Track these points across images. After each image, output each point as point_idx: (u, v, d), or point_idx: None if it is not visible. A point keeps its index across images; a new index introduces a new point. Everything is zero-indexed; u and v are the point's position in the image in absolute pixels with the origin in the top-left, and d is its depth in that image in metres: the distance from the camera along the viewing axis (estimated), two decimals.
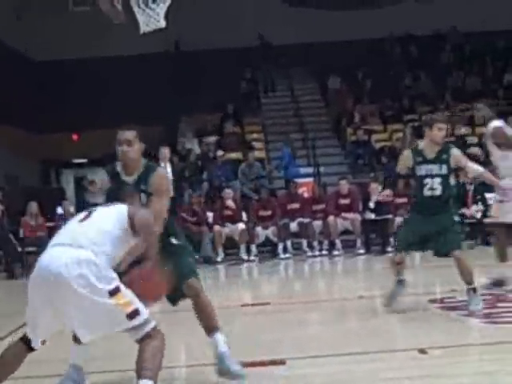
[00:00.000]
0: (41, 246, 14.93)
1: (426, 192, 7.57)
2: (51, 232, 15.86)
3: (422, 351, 5.71)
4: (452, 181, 9.46)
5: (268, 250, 15.93)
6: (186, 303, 5.44)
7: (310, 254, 15.12)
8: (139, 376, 4.13)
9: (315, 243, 15.29)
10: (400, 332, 6.95)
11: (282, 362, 5.71)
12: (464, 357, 5.81)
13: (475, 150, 12.40)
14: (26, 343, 4.42)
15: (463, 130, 19.34)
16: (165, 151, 13.75)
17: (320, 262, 14.73)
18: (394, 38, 23.62)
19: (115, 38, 20.39)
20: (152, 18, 10.68)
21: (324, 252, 15.19)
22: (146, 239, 4.55)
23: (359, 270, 13.73)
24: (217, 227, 15.28)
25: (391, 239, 13.83)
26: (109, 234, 4.42)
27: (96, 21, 15.81)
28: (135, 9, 10.74)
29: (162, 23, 10.68)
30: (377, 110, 21.59)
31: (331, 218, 15.14)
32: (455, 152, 7.67)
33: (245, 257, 15.07)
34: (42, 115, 21.83)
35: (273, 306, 8.96)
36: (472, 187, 14.96)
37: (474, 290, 7.47)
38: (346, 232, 15.41)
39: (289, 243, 15.38)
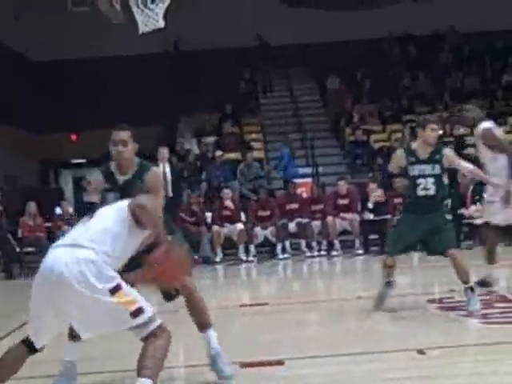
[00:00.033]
0: (39, 246, 15.06)
1: (420, 192, 7.62)
2: (50, 232, 15.98)
3: (421, 352, 5.72)
4: (445, 180, 9.50)
5: (267, 251, 15.93)
6: None
7: (308, 254, 15.12)
8: (138, 374, 4.13)
9: (314, 243, 15.29)
10: (398, 332, 6.94)
11: (280, 363, 5.71)
12: (462, 357, 5.82)
13: (471, 151, 12.43)
14: (28, 345, 4.42)
15: (462, 130, 19.32)
16: (163, 151, 13.78)
17: (319, 262, 14.73)
18: (393, 38, 23.63)
19: (114, 38, 20.39)
20: (151, 18, 10.67)
21: (323, 252, 15.18)
22: (151, 224, 4.52)
23: (358, 270, 13.73)
24: (215, 227, 15.28)
25: None
26: (109, 231, 4.41)
27: (95, 21, 15.79)
28: (134, 9, 10.74)
29: (161, 23, 10.68)
30: (375, 110, 21.59)
31: (330, 219, 15.14)
32: (447, 152, 7.76)
33: (243, 257, 15.06)
34: (41, 115, 21.83)
35: (271, 307, 8.95)
36: (471, 188, 14.95)
37: (472, 289, 7.49)
38: (344, 232, 15.41)
39: (287, 243, 15.38)
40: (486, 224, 8.63)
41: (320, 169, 19.07)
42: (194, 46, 22.13)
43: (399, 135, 18.99)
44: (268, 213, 15.63)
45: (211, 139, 19.96)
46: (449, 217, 8.24)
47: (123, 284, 4.28)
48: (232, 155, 19.14)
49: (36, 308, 4.35)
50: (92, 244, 4.31)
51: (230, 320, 8.31)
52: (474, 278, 8.38)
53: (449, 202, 14.35)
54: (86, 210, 5.76)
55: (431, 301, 8.37)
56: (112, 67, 21.62)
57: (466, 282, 7.49)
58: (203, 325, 5.41)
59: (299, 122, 21.80)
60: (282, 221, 15.44)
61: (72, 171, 25.17)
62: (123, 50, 21.69)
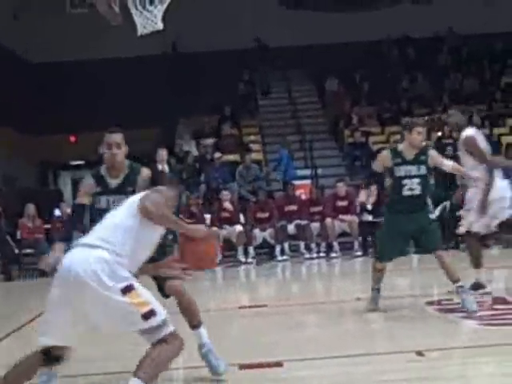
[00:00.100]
0: (38, 248, 15.06)
1: (406, 192, 7.74)
2: (48, 234, 15.98)
3: (420, 353, 5.73)
4: (431, 180, 9.55)
5: (265, 252, 15.91)
6: None
7: (307, 256, 15.11)
8: (134, 374, 4.14)
9: (313, 245, 15.28)
10: (397, 334, 6.94)
11: (279, 364, 5.72)
12: (461, 359, 5.83)
13: None
14: (45, 354, 4.40)
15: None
16: (162, 153, 13.76)
17: (317, 264, 14.72)
18: (392, 40, 23.62)
19: (113, 40, 20.41)
20: (149, 20, 10.68)
21: (321, 254, 15.17)
22: (163, 223, 4.52)
23: (356, 272, 13.72)
24: (214, 229, 15.27)
25: None
26: (121, 227, 4.40)
27: (93, 23, 15.82)
28: (133, 11, 10.75)
29: (160, 25, 10.69)
30: (374, 112, 21.59)
31: (329, 220, 15.15)
32: (432, 153, 7.94)
33: (242, 259, 15.05)
34: (40, 117, 21.80)
35: (270, 308, 8.96)
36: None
37: (463, 287, 7.58)
38: (343, 234, 15.41)
39: (286, 245, 15.38)
40: (468, 232, 8.64)
41: (319, 170, 19.06)
42: (193, 47, 22.14)
43: (398, 137, 18.95)
44: (267, 214, 15.63)
45: (210, 141, 19.95)
46: (448, 219, 8.26)
47: (136, 285, 4.27)
48: (231, 157, 19.13)
49: (51, 308, 4.36)
50: (104, 243, 4.31)
51: (229, 322, 8.32)
52: (467, 284, 8.44)
53: (447, 204, 14.36)
54: (80, 211, 5.81)
55: (430, 303, 8.38)
56: (111, 69, 21.62)
57: (456, 281, 7.58)
58: (195, 324, 5.52)
59: (298, 123, 21.80)
60: (281, 222, 15.43)
61: (71, 173, 25.13)
62: (122, 52, 21.69)
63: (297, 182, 17.31)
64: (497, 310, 7.71)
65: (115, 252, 4.28)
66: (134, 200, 4.57)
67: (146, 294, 4.28)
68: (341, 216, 15.21)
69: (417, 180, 7.72)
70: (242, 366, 5.67)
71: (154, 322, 4.20)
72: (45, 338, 4.39)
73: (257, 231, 15.43)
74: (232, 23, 21.94)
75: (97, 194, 5.70)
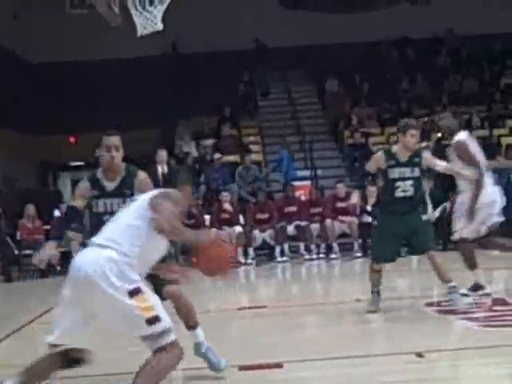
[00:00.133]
0: (38, 248, 15.03)
1: (398, 194, 7.82)
2: (48, 235, 15.96)
3: (419, 355, 5.72)
4: (431, 184, 9.55)
5: (265, 253, 15.91)
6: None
7: (307, 257, 15.11)
8: (133, 381, 4.14)
9: (312, 246, 15.28)
10: (397, 335, 6.94)
11: (279, 366, 5.72)
12: (461, 360, 5.83)
13: None
14: (64, 356, 4.40)
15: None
16: (162, 154, 13.77)
17: (317, 265, 14.72)
18: (391, 41, 23.64)
19: (113, 41, 20.40)
20: (149, 21, 10.70)
21: (321, 255, 15.17)
22: (174, 239, 4.55)
23: (356, 273, 13.69)
24: (214, 230, 15.27)
25: None
26: (129, 227, 4.40)
27: (93, 23, 15.84)
28: (132, 11, 10.77)
29: (160, 26, 10.71)
30: (374, 112, 21.59)
31: (328, 221, 15.15)
32: (426, 154, 8.05)
33: (242, 260, 15.05)
34: (40, 117, 21.79)
35: (270, 310, 8.95)
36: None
37: (455, 287, 7.64)
38: (343, 235, 15.41)
39: (286, 246, 15.38)
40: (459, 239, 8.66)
41: (318, 171, 19.06)
42: (193, 48, 22.14)
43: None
44: (266, 215, 15.63)
45: (210, 142, 19.96)
46: (448, 220, 8.31)
47: (144, 289, 4.25)
48: (230, 158, 19.13)
49: (62, 308, 4.35)
50: (113, 243, 4.31)
51: (229, 323, 8.33)
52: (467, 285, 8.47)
53: (447, 205, 14.36)
54: (72, 213, 5.84)
55: (429, 304, 8.39)
56: (111, 70, 21.62)
57: (447, 282, 7.67)
58: (191, 325, 5.60)
59: (297, 124, 21.80)
60: (281, 224, 15.43)
61: (71, 174, 25.10)
62: (122, 53, 21.69)
63: (296, 183, 17.31)
64: (496, 311, 7.71)
65: (124, 253, 4.27)
66: (142, 201, 4.56)
67: (152, 299, 4.27)
68: (340, 217, 15.22)
69: (410, 182, 7.79)
70: (242, 368, 5.68)
71: (157, 328, 4.18)
72: (51, 336, 4.39)
73: (256, 232, 15.43)
74: (232, 24, 21.93)
75: (94, 197, 5.71)
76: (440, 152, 9.86)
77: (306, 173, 19.23)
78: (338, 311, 8.66)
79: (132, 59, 21.79)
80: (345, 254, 15.12)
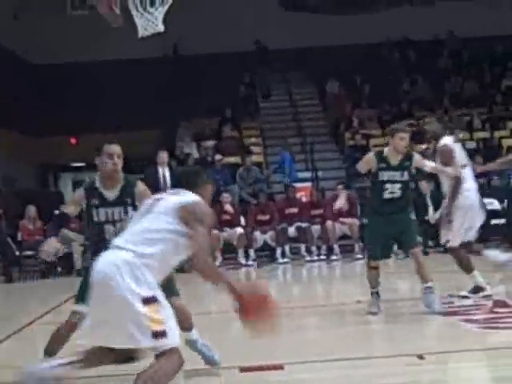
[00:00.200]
0: (38, 249, 15.05)
1: (386, 195, 7.97)
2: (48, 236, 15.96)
3: (420, 357, 5.72)
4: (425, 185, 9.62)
5: (266, 255, 15.89)
6: (190, 307, 5.51)
7: (308, 258, 15.10)
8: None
9: (313, 248, 15.26)
10: (398, 337, 6.94)
11: (280, 367, 5.71)
12: (462, 362, 5.82)
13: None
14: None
15: (461, 136, 19.34)
16: (163, 155, 13.78)
17: (318, 266, 14.71)
18: (392, 42, 23.63)
19: (113, 42, 20.40)
20: (150, 22, 10.70)
21: (322, 257, 15.16)
22: (200, 270, 4.39)
23: (357, 274, 13.68)
24: (215, 231, 15.26)
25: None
26: (152, 232, 4.33)
27: (94, 24, 15.84)
28: (133, 13, 10.77)
29: (161, 27, 10.71)
30: (375, 114, 21.58)
31: (329, 223, 15.14)
32: (416, 157, 8.14)
33: (243, 261, 15.03)
34: (41, 118, 21.81)
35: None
36: None
37: (431, 288, 7.76)
38: (344, 237, 15.40)
39: (287, 248, 15.37)
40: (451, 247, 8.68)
41: (319, 173, 19.05)
42: (194, 50, 22.14)
43: None
44: (267, 217, 15.62)
45: (211, 143, 19.96)
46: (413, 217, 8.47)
47: (160, 298, 4.19)
48: (231, 159, 19.12)
49: (89, 310, 4.37)
50: (132, 246, 4.27)
51: (230, 324, 8.30)
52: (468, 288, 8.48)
53: None
54: (58, 221, 5.86)
55: None
56: (111, 71, 21.62)
57: (426, 281, 7.79)
58: (187, 327, 5.67)
59: (298, 126, 21.79)
60: (282, 225, 15.42)
61: (71, 175, 25.15)
62: (123, 54, 21.69)
63: (297, 185, 17.31)
64: (497, 313, 7.71)
65: (143, 254, 4.22)
66: (170, 208, 4.42)
67: (165, 312, 4.19)
68: (341, 219, 15.20)
69: (398, 185, 7.95)
70: (243, 369, 5.67)
71: (161, 343, 4.11)
72: (81, 339, 4.42)
73: (257, 234, 15.42)
74: (232, 25, 21.93)
75: (94, 206, 5.68)
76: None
77: (307, 174, 19.21)
78: (338, 313, 8.66)
79: (133, 60, 21.79)
80: (346, 255, 15.10)
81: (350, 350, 6.28)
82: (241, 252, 15.13)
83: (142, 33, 10.73)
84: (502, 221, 14.96)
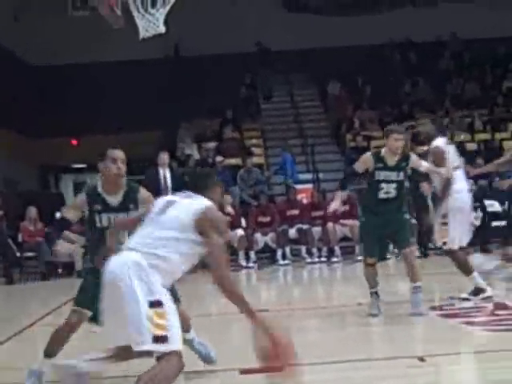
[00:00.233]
0: (39, 251, 15.05)
1: (381, 195, 8.04)
2: (50, 237, 15.95)
3: (421, 359, 5.71)
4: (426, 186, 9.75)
5: (267, 257, 15.89)
6: (190, 309, 5.50)
7: (308, 260, 15.10)
8: None
9: (314, 250, 15.26)
10: (399, 339, 6.93)
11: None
12: (463, 365, 5.81)
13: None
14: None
15: (462, 137, 19.35)
16: (164, 156, 13.77)
17: (319, 268, 14.70)
18: (394, 44, 23.62)
19: (115, 43, 20.39)
20: (151, 24, 10.69)
21: (323, 258, 15.16)
22: (224, 292, 4.51)
23: (358, 276, 13.62)
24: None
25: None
26: (164, 236, 4.31)
27: (95, 25, 15.84)
28: (135, 14, 10.75)
29: (162, 28, 10.69)
30: (376, 116, 21.56)
31: (330, 225, 15.13)
32: (413, 157, 8.24)
33: (243, 263, 15.02)
34: (41, 120, 21.82)
35: (271, 313, 8.89)
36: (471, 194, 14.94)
37: (419, 287, 7.81)
38: (345, 238, 15.40)
39: (288, 250, 15.36)
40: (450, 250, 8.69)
41: (320, 175, 19.04)
42: (195, 51, 22.14)
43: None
44: (268, 219, 15.61)
45: (212, 144, 19.96)
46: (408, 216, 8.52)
47: (167, 303, 4.17)
48: (232, 161, 19.12)
49: (104, 313, 4.35)
50: (142, 247, 4.26)
51: (230, 326, 8.31)
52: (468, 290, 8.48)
53: None
54: (58, 226, 5.87)
55: (432, 308, 8.36)
56: (112, 72, 21.62)
57: (414, 281, 7.85)
58: (185, 330, 5.56)
59: (300, 127, 21.79)
60: (283, 227, 15.42)
61: (72, 176, 25.16)
62: (124, 55, 21.69)
63: (298, 186, 17.31)
64: (498, 315, 7.70)
65: (154, 257, 4.21)
66: (185, 213, 4.38)
67: (171, 318, 4.16)
68: (342, 220, 15.20)
69: (394, 185, 8.03)
70: (243, 371, 5.66)
71: (161, 348, 4.07)
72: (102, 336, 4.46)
73: (258, 235, 15.41)
74: (234, 27, 21.94)
75: (97, 212, 5.66)
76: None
77: (308, 176, 19.21)
78: (339, 315, 8.65)
79: (134, 62, 21.79)
80: (346, 257, 15.10)
81: (350, 352, 6.26)
82: (241, 254, 15.12)
83: (143, 34, 10.71)
84: (503, 223, 14.93)
